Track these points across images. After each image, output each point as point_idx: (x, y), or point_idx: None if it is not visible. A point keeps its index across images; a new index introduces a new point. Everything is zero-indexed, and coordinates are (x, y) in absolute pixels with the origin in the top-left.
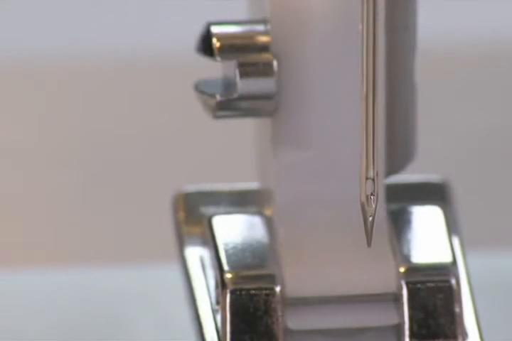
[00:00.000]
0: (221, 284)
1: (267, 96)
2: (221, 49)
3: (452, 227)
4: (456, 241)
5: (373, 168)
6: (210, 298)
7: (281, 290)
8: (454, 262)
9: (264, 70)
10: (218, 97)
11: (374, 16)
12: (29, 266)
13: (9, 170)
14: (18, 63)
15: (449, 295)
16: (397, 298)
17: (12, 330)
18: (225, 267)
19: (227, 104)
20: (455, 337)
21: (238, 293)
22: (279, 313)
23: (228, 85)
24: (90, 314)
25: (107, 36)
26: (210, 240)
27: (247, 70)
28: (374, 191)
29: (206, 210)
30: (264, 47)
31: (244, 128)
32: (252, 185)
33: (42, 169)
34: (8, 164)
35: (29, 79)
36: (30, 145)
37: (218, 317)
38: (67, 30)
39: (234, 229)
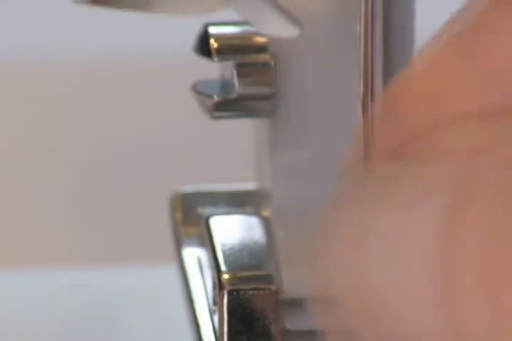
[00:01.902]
0: (218, 285)
1: (264, 97)
2: (219, 50)
3: None
4: None
5: None
6: (207, 298)
7: (278, 291)
8: None
9: (261, 71)
10: (216, 98)
11: (372, 17)
12: (29, 266)
13: (9, 170)
14: (17, 63)
15: None
16: None
17: (12, 330)
18: (223, 268)
19: (224, 104)
20: None
21: (235, 293)
22: (277, 314)
23: (226, 86)
24: (90, 314)
25: (106, 36)
26: (207, 241)
27: (245, 71)
28: None
29: (203, 211)
30: (262, 48)
31: (242, 129)
32: (250, 185)
33: (42, 169)
34: (8, 164)
35: (29, 79)
36: (30, 146)
37: (216, 318)
38: (67, 30)
39: (231, 229)
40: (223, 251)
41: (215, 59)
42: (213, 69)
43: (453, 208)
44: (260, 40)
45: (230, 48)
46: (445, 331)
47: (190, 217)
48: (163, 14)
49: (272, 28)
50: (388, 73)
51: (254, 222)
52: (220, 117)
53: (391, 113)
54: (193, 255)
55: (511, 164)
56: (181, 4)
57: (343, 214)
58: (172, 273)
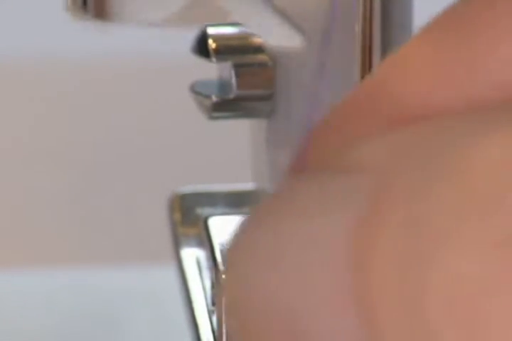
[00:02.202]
0: (217, 285)
1: (262, 98)
2: (217, 50)
3: None
4: None
5: None
6: (206, 299)
7: None
8: None
9: (260, 71)
10: (214, 98)
11: (371, 16)
12: (29, 266)
13: (9, 170)
14: (17, 63)
15: None
16: None
17: (12, 330)
18: (221, 268)
19: (222, 105)
20: None
21: None
22: None
23: (224, 86)
24: (89, 314)
25: (105, 37)
26: (205, 241)
27: (243, 71)
28: None
29: (202, 211)
30: (260, 49)
31: (240, 129)
32: (248, 186)
33: (42, 169)
34: (8, 164)
35: (29, 79)
36: (30, 146)
37: (214, 318)
38: (66, 30)
39: (230, 230)
40: (222, 252)
41: (213, 59)
42: (211, 70)
43: (366, 217)
44: (258, 40)
45: (228, 49)
46: (360, 329)
47: (188, 217)
48: (166, 27)
49: (277, 38)
50: None
51: None
52: (218, 118)
53: (332, 123)
54: (192, 255)
55: (421, 176)
56: (184, 17)
57: (267, 218)
58: (171, 273)
